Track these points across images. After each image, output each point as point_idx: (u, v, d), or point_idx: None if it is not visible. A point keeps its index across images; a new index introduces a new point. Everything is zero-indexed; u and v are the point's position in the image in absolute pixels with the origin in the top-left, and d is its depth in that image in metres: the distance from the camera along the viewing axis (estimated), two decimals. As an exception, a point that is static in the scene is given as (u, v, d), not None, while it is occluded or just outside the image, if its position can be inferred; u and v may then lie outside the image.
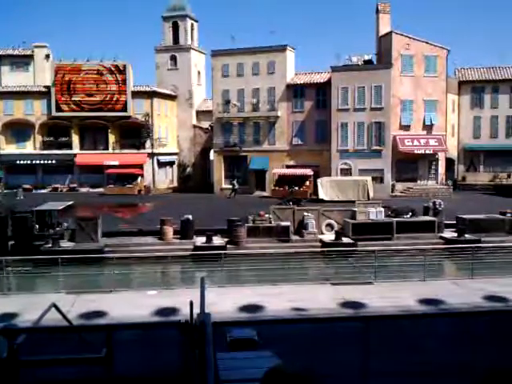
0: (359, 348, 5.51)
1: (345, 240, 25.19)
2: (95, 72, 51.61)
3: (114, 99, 51.82)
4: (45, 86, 52.64)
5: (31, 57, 55.96)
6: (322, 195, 41.09)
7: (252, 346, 8.57)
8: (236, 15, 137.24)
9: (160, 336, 7.77)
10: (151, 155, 52.49)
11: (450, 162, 48.39)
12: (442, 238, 25.93)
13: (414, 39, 45.50)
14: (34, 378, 5.76)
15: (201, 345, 4.53)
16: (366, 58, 47.05)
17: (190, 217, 26.33)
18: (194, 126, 56.07)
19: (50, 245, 24.07)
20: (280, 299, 14.57)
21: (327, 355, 9.26)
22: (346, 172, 45.81)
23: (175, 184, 55.15)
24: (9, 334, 5.27)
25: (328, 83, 46.79)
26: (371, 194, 40.36)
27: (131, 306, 13.96)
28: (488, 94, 49.11)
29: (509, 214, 27.44)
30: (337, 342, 9.33)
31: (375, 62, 47.69)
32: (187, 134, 55.90)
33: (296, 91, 48.66)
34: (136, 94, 52.19)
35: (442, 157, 46.28)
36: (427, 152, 45.03)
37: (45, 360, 5.73)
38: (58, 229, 25.75)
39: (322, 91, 47.71)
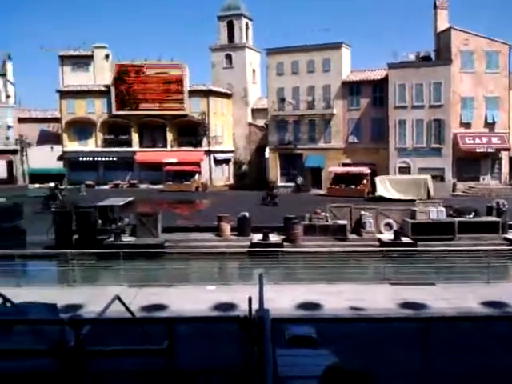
0: (418, 349, 5.39)
1: (404, 240, 24.69)
2: (153, 71, 52.67)
3: (172, 98, 52.74)
4: (105, 86, 54.15)
5: (91, 57, 57.70)
6: (381, 192, 40.39)
7: (310, 343, 8.52)
8: (290, 13, 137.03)
9: (219, 330, 7.83)
10: (208, 153, 53.15)
11: (513, 161, 46.53)
12: (506, 239, 25.03)
13: (473, 35, 44.10)
14: (98, 368, 5.90)
15: (260, 340, 4.53)
16: (424, 54, 46.00)
17: (247, 214, 26.48)
18: (250, 124, 56.37)
19: (112, 239, 24.79)
20: (337, 298, 14.42)
21: (386, 355, 9.10)
22: (405, 170, 44.92)
23: (231, 181, 55.64)
24: (75, 324, 5.41)
25: (385, 80, 45.99)
26: (431, 193, 39.42)
27: (191, 300, 14.16)
28: (554, 91, 46.93)
29: None
30: (395, 342, 9.16)
31: (433, 59, 46.52)
32: (243, 132, 56.26)
33: (352, 88, 48.06)
34: (192, 93, 52.95)
35: (505, 155, 44.59)
36: (489, 150, 43.49)
37: (108, 350, 5.85)
38: (119, 224, 26.44)
39: (378, 88, 46.95)
